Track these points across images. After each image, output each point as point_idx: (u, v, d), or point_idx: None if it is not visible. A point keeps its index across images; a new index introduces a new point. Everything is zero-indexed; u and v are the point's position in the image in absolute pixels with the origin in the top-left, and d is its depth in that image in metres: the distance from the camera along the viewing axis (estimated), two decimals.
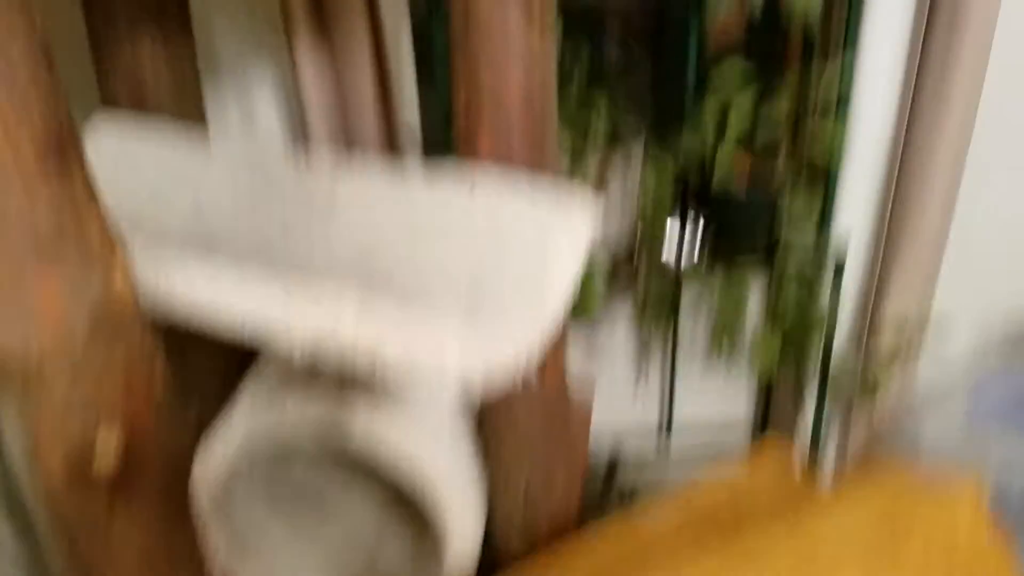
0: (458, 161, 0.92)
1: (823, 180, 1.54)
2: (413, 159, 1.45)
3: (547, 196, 0.82)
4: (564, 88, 1.46)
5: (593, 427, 1.23)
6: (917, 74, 1.46)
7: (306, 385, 0.76)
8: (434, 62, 1.39)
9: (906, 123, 1.50)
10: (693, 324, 1.74)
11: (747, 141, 1.52)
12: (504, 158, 0.90)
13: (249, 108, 1.43)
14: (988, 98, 1.46)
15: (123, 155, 0.98)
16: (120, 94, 1.06)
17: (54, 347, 0.71)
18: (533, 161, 0.90)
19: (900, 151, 1.52)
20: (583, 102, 1.48)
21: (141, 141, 1.00)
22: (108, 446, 0.75)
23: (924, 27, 1.43)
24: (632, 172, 1.58)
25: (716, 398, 1.82)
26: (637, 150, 1.56)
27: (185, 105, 1.09)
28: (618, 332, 1.76)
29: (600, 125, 1.48)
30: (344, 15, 1.33)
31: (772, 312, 1.62)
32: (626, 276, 1.67)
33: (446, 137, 1.39)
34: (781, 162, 1.55)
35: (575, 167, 1.47)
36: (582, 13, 1.55)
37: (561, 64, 1.45)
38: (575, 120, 1.47)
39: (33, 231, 0.67)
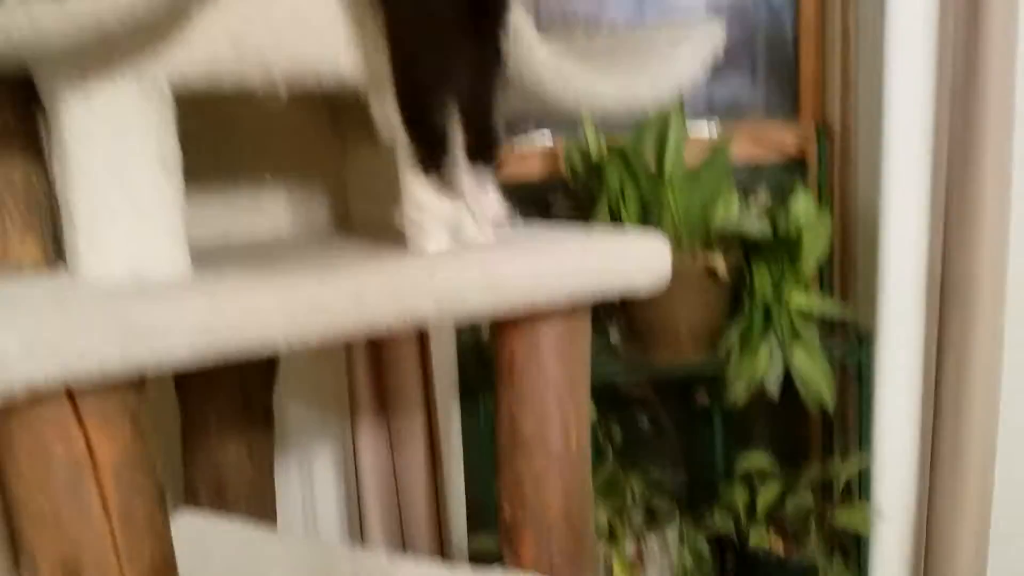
0: (503, 567, 1.01)
1: (856, 544, 1.60)
2: (459, 537, 1.53)
3: None
4: (598, 467, 1.57)
5: None
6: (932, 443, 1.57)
7: None
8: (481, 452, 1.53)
9: (927, 495, 1.59)
10: None
11: (777, 518, 1.60)
12: (545, 567, 0.98)
13: (310, 478, 1.56)
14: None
15: (200, 548, 1.08)
16: (201, 488, 1.19)
17: None
18: (573, 571, 0.99)
19: (926, 510, 1.59)
20: (616, 480, 1.58)
21: (218, 533, 1.11)
22: None
23: (933, 404, 1.56)
24: (667, 550, 1.63)
25: None
26: (672, 527, 1.63)
27: (259, 497, 1.21)
28: None
29: (634, 504, 1.57)
30: (403, 403, 1.49)
31: None
32: None
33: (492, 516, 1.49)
34: (813, 530, 1.61)
35: (612, 548, 1.53)
36: (613, 392, 1.71)
37: (595, 441, 1.58)
38: (609, 498, 1.56)
39: None
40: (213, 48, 0.82)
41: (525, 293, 0.89)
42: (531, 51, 0.86)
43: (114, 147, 0.79)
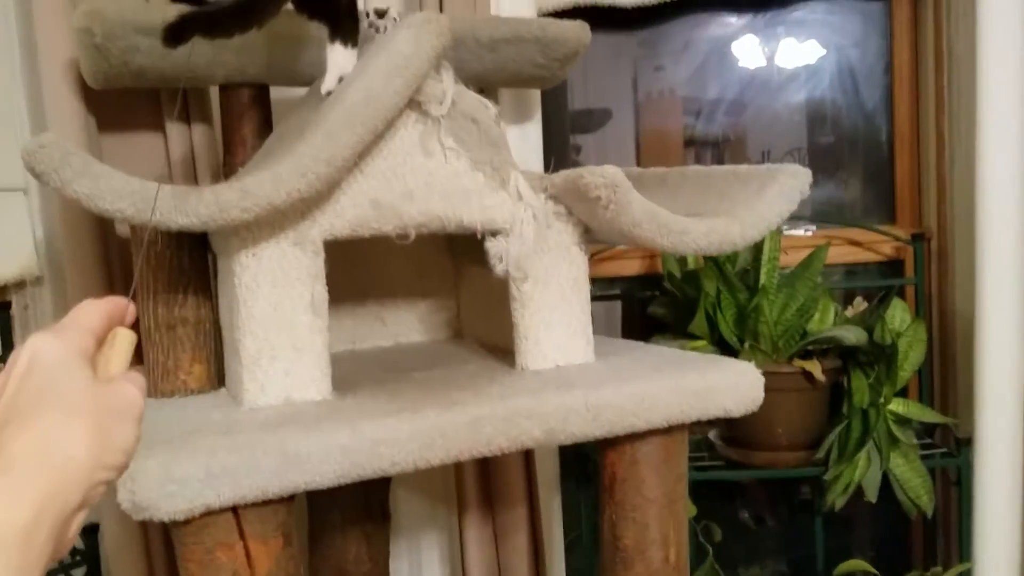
0: None
1: None
2: None
3: None
4: (696, 567, 1.61)
5: None
6: None
7: None
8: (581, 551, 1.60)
9: None
10: None
11: None
12: None
13: (419, 569, 1.65)
14: None
15: None
16: None
17: None
18: None
19: None
20: None
21: None
22: None
23: None
24: None
25: None
26: None
27: None
28: None
29: None
30: (507, 497, 1.58)
31: None
32: None
33: None
34: None
35: None
36: (714, 487, 1.75)
37: (693, 539, 1.63)
38: None
39: None
40: (358, 211, 0.96)
41: (625, 418, 0.98)
42: (629, 203, 0.97)
43: (276, 294, 0.94)
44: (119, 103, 1.29)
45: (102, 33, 1.06)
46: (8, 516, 0.46)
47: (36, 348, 0.53)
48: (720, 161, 2.01)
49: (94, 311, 0.58)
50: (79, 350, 0.55)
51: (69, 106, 1.23)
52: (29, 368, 0.52)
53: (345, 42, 0.96)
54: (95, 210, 0.77)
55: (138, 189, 0.78)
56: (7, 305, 1.41)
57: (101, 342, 0.59)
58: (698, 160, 2.02)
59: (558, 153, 1.91)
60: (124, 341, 0.60)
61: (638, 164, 2.02)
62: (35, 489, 0.47)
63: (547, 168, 1.58)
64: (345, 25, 0.95)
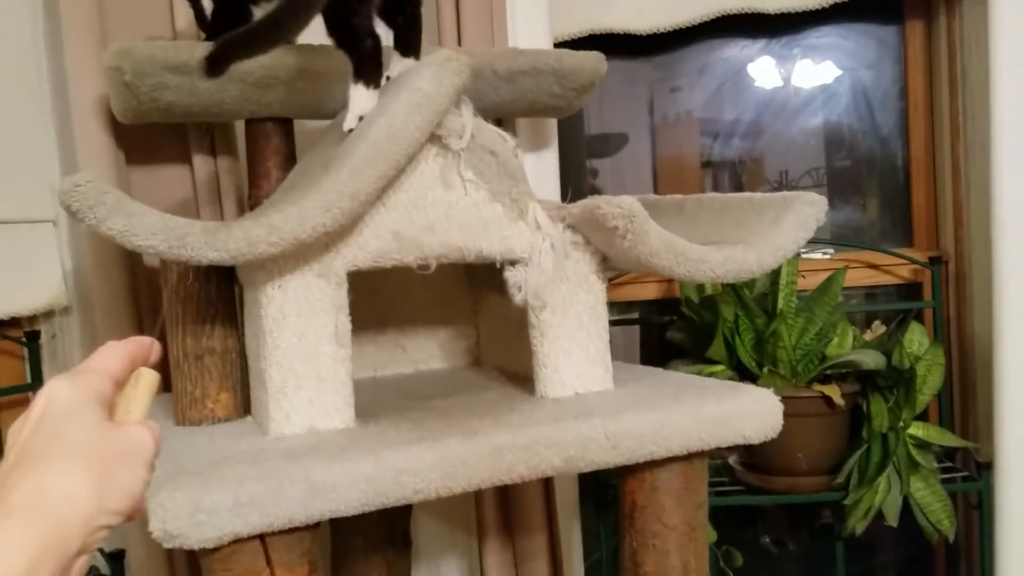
0: None
1: None
2: None
3: None
4: None
5: None
6: None
7: None
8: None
9: None
10: None
11: None
12: None
13: None
14: None
15: None
16: None
17: None
18: None
19: None
20: None
21: None
22: None
23: None
24: None
25: None
26: None
27: None
28: None
29: None
30: (527, 523, 1.59)
31: None
32: None
33: None
34: None
35: None
36: (735, 512, 1.75)
37: (714, 564, 1.63)
38: None
39: None
40: (380, 242, 0.98)
41: (645, 446, 0.99)
42: (646, 232, 0.98)
43: (301, 325, 0.96)
44: (147, 137, 1.33)
45: (132, 71, 1.09)
46: (6, 563, 0.47)
47: (52, 393, 0.55)
48: (738, 182, 2.03)
49: (115, 353, 0.60)
50: (94, 394, 0.56)
51: (99, 141, 1.26)
52: (43, 413, 0.54)
53: (368, 84, 0.99)
54: (129, 246, 0.80)
55: (170, 226, 0.80)
56: (36, 334, 1.44)
57: (122, 383, 0.60)
58: (716, 182, 2.04)
59: (575, 178, 1.93)
60: (147, 382, 0.61)
61: (655, 187, 2.04)
62: (33, 536, 0.48)
63: (564, 197, 1.60)
64: (369, 68, 0.98)
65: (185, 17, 1.34)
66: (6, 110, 1.39)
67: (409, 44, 1.03)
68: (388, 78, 1.04)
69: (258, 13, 1.11)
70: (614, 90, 1.97)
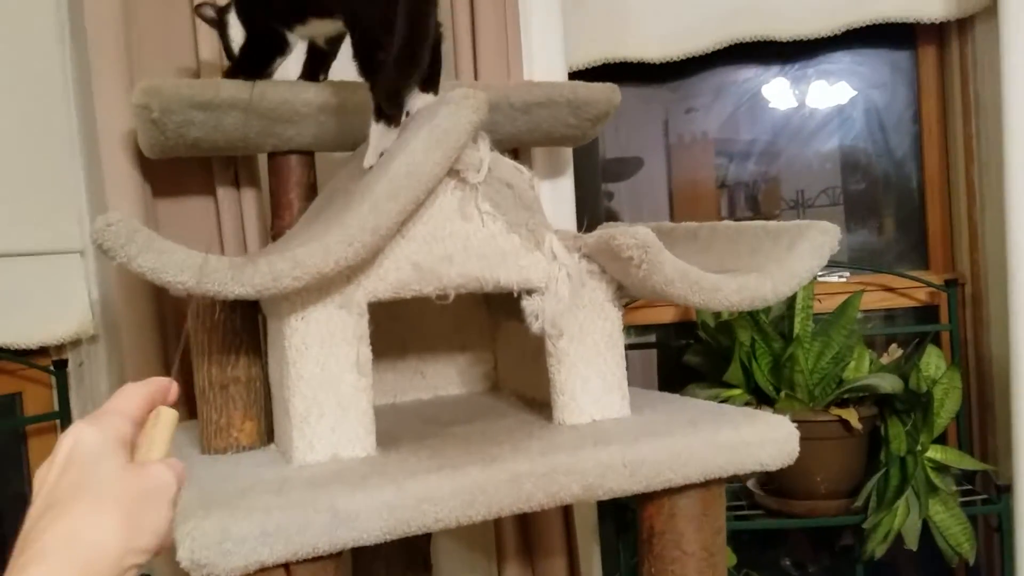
0: None
1: None
2: None
3: None
4: None
5: None
6: None
7: None
8: None
9: None
10: None
11: None
12: None
13: None
14: None
15: None
16: None
17: None
18: None
19: None
20: None
21: None
22: None
23: None
24: None
25: None
26: None
27: None
28: None
29: None
30: (546, 547, 1.60)
31: None
32: None
33: None
34: None
35: None
36: (755, 534, 1.75)
37: None
38: None
39: None
40: (400, 274, 1.01)
41: (663, 474, 1.00)
42: (661, 263, 1.00)
43: (323, 355, 0.98)
44: (173, 170, 1.36)
45: (159, 109, 1.13)
46: None
47: (75, 437, 0.57)
48: (755, 203, 2.04)
49: (135, 395, 0.62)
50: (116, 437, 0.58)
51: (127, 175, 1.30)
52: (68, 457, 0.56)
53: (388, 123, 1.01)
54: (158, 282, 0.83)
55: (198, 262, 0.83)
56: (64, 363, 1.47)
57: (142, 424, 0.62)
58: (732, 203, 2.06)
59: (591, 202, 1.95)
60: (166, 421, 0.63)
61: (671, 209, 2.06)
62: None
63: (580, 222, 1.62)
64: (390, 108, 1.01)
65: (209, 49, 1.38)
66: (35, 143, 1.44)
67: (429, 80, 1.06)
68: (408, 113, 1.07)
69: (292, 38, 1.15)
70: (629, 114, 2.00)
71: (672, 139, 2.05)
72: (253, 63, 1.17)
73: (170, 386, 0.65)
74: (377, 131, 1.02)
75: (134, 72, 1.31)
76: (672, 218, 2.06)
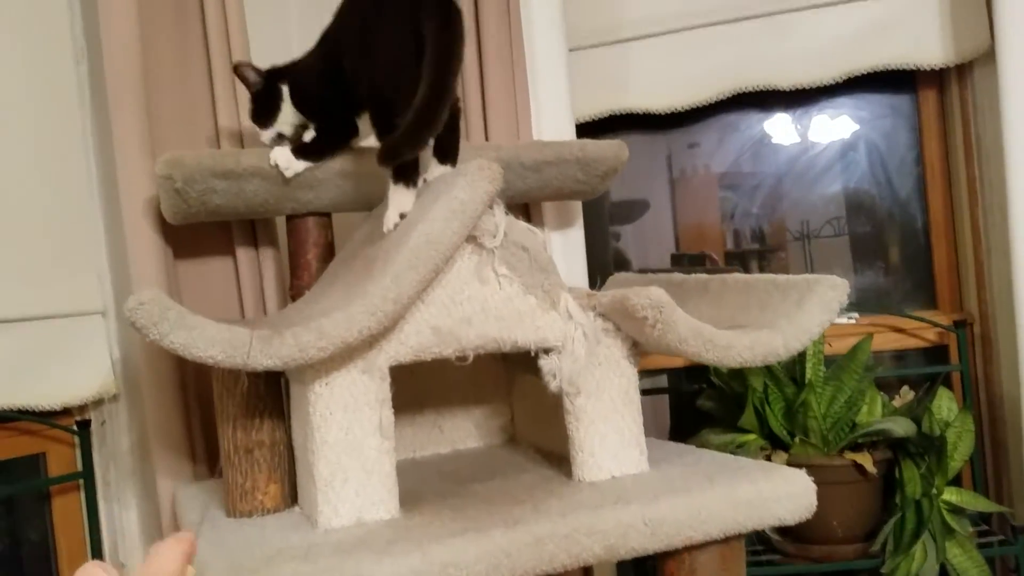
0: None
1: None
2: None
3: None
4: None
5: None
6: None
7: None
8: None
9: None
10: None
11: None
12: None
13: None
14: None
15: None
16: None
17: None
18: None
19: None
20: None
21: None
22: None
23: None
24: None
25: None
26: None
27: None
28: None
29: None
30: None
31: None
32: None
33: None
34: None
35: None
36: None
37: None
38: None
39: None
40: (420, 338, 1.03)
41: (683, 531, 1.01)
42: (674, 322, 1.03)
43: (347, 420, 1.00)
44: (193, 233, 1.39)
45: (182, 179, 1.16)
46: None
47: None
48: (760, 236, 2.07)
49: (173, 557, 0.62)
50: None
51: (149, 239, 1.33)
52: None
53: (408, 184, 1.05)
54: (189, 357, 0.85)
55: (227, 337, 0.85)
56: (87, 423, 1.50)
57: None
58: (737, 237, 2.08)
59: (599, 245, 1.98)
60: None
61: (676, 242, 2.09)
62: None
63: (592, 274, 1.65)
64: (408, 168, 1.04)
65: (228, 115, 1.41)
66: (57, 207, 1.47)
67: (447, 152, 1.10)
68: (425, 180, 1.10)
69: (361, 126, 1.19)
70: (634, 159, 2.03)
71: (675, 174, 2.09)
72: (330, 147, 1.22)
73: (193, 540, 0.65)
74: (396, 193, 1.05)
75: (155, 139, 1.35)
76: (678, 250, 2.10)
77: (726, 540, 1.07)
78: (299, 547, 0.94)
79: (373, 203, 1.28)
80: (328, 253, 1.33)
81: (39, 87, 1.46)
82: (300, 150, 1.20)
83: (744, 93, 1.82)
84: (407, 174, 1.06)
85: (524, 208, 1.55)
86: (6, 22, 1.42)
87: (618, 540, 0.98)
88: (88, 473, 1.49)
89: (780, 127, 2.01)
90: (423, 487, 1.17)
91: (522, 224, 1.11)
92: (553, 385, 1.10)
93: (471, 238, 1.05)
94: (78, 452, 1.50)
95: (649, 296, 1.02)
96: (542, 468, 1.23)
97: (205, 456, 1.40)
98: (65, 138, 1.49)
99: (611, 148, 1.41)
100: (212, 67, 1.40)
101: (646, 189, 2.09)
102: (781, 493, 1.06)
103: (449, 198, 0.98)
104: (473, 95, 1.50)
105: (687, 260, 2.09)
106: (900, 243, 1.99)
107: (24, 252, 1.42)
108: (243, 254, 1.42)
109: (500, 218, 1.06)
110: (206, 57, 1.41)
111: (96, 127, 1.50)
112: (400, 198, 1.07)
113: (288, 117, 1.21)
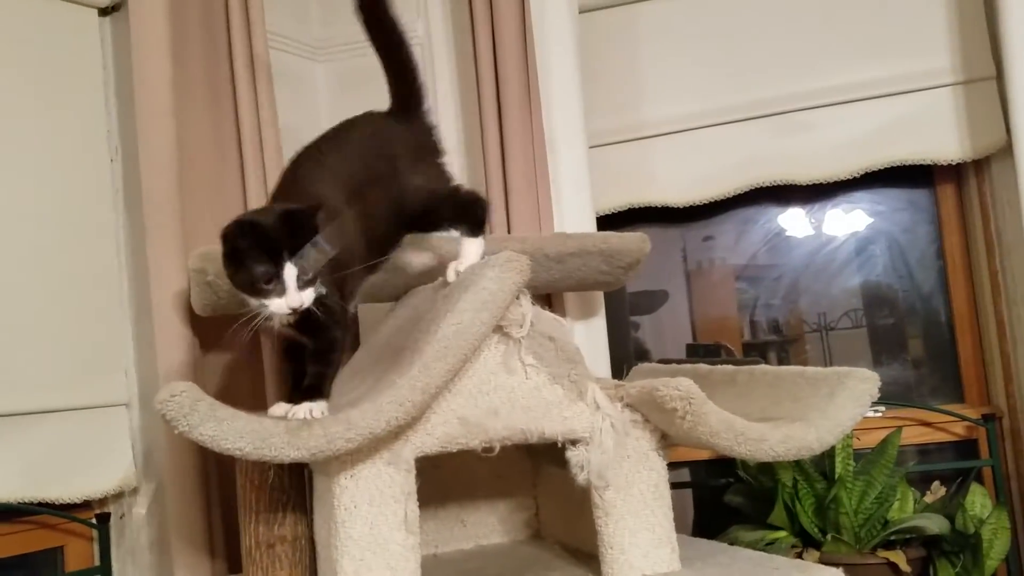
0: None
1: None
2: None
3: None
4: None
5: None
6: None
7: None
8: None
9: None
10: None
11: None
12: None
13: None
14: None
15: None
16: None
17: None
18: None
19: None
20: None
21: None
22: None
23: None
24: None
25: None
26: None
27: None
28: None
29: None
30: None
31: None
32: None
33: None
34: None
35: None
36: None
37: None
38: None
39: None
40: (447, 428, 1.02)
41: None
42: (705, 414, 1.01)
43: (372, 514, 0.99)
44: (219, 325, 1.40)
45: (214, 273, 1.18)
46: None
47: None
48: (776, 327, 2.06)
49: None
50: None
51: (177, 331, 1.34)
52: None
53: (477, 235, 1.15)
54: (218, 450, 0.85)
55: (256, 429, 0.85)
56: (106, 516, 1.48)
57: None
58: (754, 328, 2.08)
59: (620, 334, 1.97)
60: None
61: (693, 333, 2.08)
62: None
63: (614, 359, 1.64)
64: (483, 226, 1.15)
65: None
66: (86, 301, 1.49)
67: (476, 227, 1.18)
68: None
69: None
70: (654, 250, 2.05)
71: (691, 266, 2.10)
72: None
73: None
74: (471, 245, 1.15)
75: (185, 234, 1.37)
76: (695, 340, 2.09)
77: None
78: None
79: (398, 295, 1.30)
80: (355, 342, 1.33)
81: (73, 184, 1.50)
82: None
83: (761, 188, 1.84)
84: (482, 229, 1.16)
85: (547, 298, 1.56)
86: (46, 121, 1.47)
87: None
88: (106, 568, 1.46)
89: (797, 221, 2.03)
90: None
91: (548, 314, 1.12)
92: (581, 478, 1.08)
93: (498, 328, 1.05)
94: (96, 546, 1.47)
95: (679, 387, 1.01)
96: (570, 566, 1.20)
97: (224, 553, 1.38)
98: (96, 231, 1.52)
99: (634, 241, 1.42)
100: (244, 163, 1.44)
101: (659, 275, 2.10)
102: None
103: (478, 289, 0.99)
104: (496, 187, 1.53)
105: (702, 351, 2.09)
106: (923, 336, 1.98)
107: (51, 345, 1.43)
108: (268, 346, 1.43)
109: (527, 308, 1.06)
110: (239, 153, 1.45)
111: (128, 221, 1.53)
112: (473, 248, 1.15)
113: None
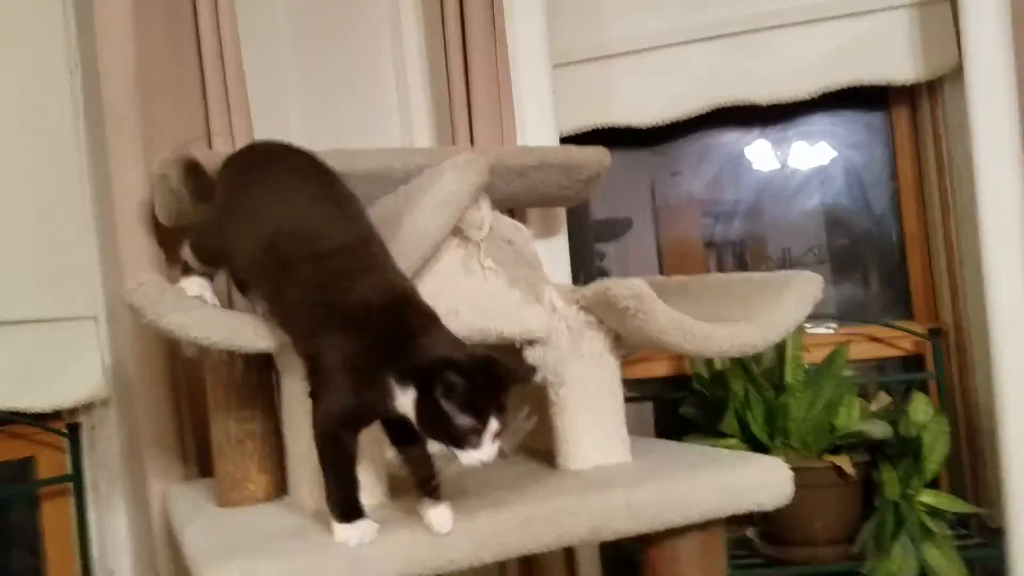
0: None
1: None
2: None
3: None
4: None
5: None
6: None
7: None
8: None
9: None
10: None
11: None
12: None
13: None
14: None
15: None
16: None
17: None
18: None
19: None
20: None
21: None
22: None
23: None
24: None
25: None
26: None
27: None
28: None
29: None
30: None
31: None
32: None
33: None
34: None
35: None
36: None
37: None
38: None
39: None
40: None
41: (665, 514, 1.04)
42: (655, 312, 1.06)
43: None
44: (184, 237, 1.42)
45: (176, 178, 1.19)
46: None
47: None
48: (742, 261, 2.11)
49: None
50: None
51: (143, 242, 1.36)
52: None
53: None
54: (186, 339, 0.88)
55: (223, 319, 0.88)
56: (77, 426, 1.51)
57: None
58: (719, 261, 2.13)
59: (583, 261, 2.02)
60: None
61: (660, 266, 2.13)
62: None
63: (576, 280, 1.69)
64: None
65: (221, 121, 1.45)
66: (50, 214, 1.50)
67: None
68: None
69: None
70: (618, 178, 2.08)
71: (659, 201, 2.13)
72: None
73: None
74: None
75: (147, 143, 1.38)
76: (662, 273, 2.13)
77: (706, 527, 1.09)
78: (291, 528, 0.96)
79: None
80: None
81: (33, 97, 1.49)
82: None
83: (722, 111, 1.87)
84: None
85: (510, 213, 1.59)
86: (1, 35, 1.46)
87: (602, 522, 1.00)
88: (78, 476, 1.50)
89: (758, 145, 2.07)
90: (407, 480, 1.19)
91: (508, 220, 1.15)
92: (537, 376, 1.13)
93: (458, 231, 1.09)
94: (68, 456, 1.51)
95: (630, 286, 1.06)
96: (527, 462, 1.26)
97: (196, 457, 1.42)
98: (58, 146, 1.52)
99: (594, 154, 1.45)
100: (204, 69, 1.44)
101: (628, 208, 2.14)
102: (760, 480, 1.09)
103: (436, 189, 1.02)
104: (459, 102, 1.55)
105: None
106: (877, 256, 2.04)
107: (17, 258, 1.45)
108: None
109: (486, 212, 1.10)
110: (198, 60, 1.45)
111: (89, 134, 1.53)
112: None
113: None
